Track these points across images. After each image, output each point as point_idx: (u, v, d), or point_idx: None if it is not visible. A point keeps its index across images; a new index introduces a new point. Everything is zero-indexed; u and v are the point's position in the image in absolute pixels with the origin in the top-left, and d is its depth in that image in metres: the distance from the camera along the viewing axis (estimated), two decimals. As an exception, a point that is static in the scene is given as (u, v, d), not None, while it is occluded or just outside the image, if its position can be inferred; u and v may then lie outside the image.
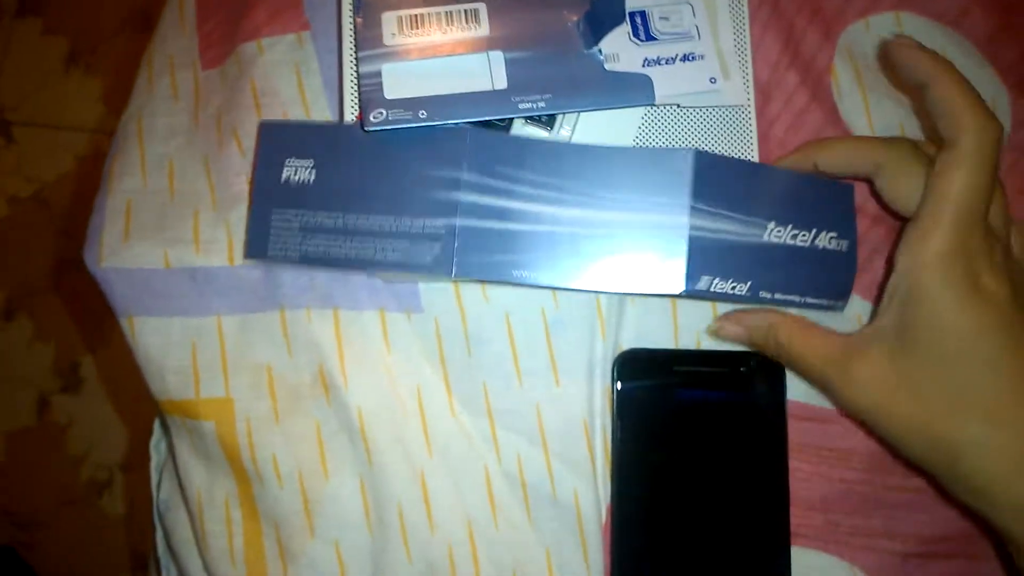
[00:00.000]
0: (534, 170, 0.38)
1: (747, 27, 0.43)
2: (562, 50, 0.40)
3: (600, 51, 0.40)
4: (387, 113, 0.39)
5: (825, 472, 0.43)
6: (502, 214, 0.38)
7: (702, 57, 0.41)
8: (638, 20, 0.41)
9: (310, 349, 0.43)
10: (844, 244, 0.40)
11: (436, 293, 0.44)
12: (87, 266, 0.44)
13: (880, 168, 0.38)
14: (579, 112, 0.41)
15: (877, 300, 0.41)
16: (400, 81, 0.39)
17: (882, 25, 0.47)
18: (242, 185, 0.45)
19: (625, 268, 0.38)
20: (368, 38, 0.40)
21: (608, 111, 0.42)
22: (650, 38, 0.41)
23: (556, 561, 0.42)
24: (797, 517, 0.42)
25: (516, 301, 0.43)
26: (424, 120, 0.39)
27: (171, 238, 0.44)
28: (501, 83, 0.39)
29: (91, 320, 1.35)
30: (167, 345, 0.43)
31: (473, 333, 0.43)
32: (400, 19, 0.40)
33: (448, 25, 0.40)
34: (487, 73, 0.40)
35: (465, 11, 0.41)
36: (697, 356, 0.43)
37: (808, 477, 0.43)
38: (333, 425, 0.43)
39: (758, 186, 0.39)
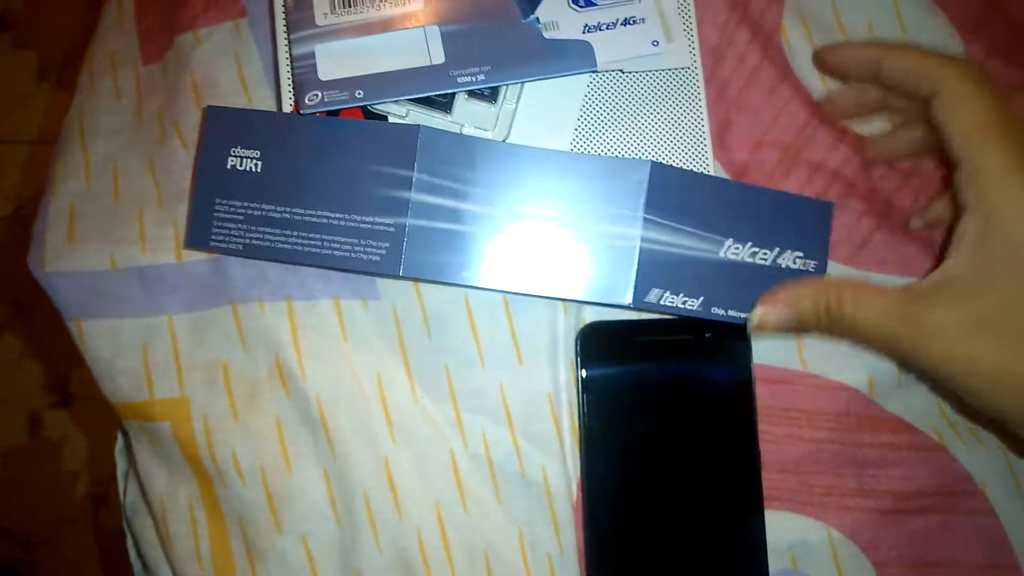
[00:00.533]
0: (487, 173, 0.37)
1: (691, -12, 0.42)
2: (500, 21, 0.39)
3: (538, 20, 0.39)
4: (322, 95, 0.38)
5: (795, 433, 0.42)
6: (452, 215, 0.37)
7: (643, 20, 0.40)
8: (578, -14, 0.41)
9: (266, 342, 0.42)
10: (812, 264, 0.40)
11: (393, 279, 0.43)
12: (31, 271, 0.43)
13: (938, 91, 0.35)
14: (521, 83, 0.40)
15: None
16: (335, 61, 0.38)
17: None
18: (187, 181, 0.44)
19: (575, 276, 0.38)
20: (300, 20, 0.39)
21: (553, 80, 0.41)
22: (589, 4, 0.40)
23: (528, 540, 0.41)
24: (770, 480, 0.41)
25: (473, 281, 0.43)
26: (361, 100, 0.38)
27: (117, 238, 0.43)
28: (439, 58, 0.39)
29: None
30: (117, 347, 0.43)
31: (432, 316, 0.43)
32: (332, -1, 0.39)
33: (381, 1, 0.39)
34: (424, 48, 0.39)
35: (398, -13, 0.40)
36: (660, 325, 0.43)
37: (778, 440, 0.42)
38: (293, 418, 0.42)
39: (719, 201, 0.38)
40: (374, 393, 0.42)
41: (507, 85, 0.40)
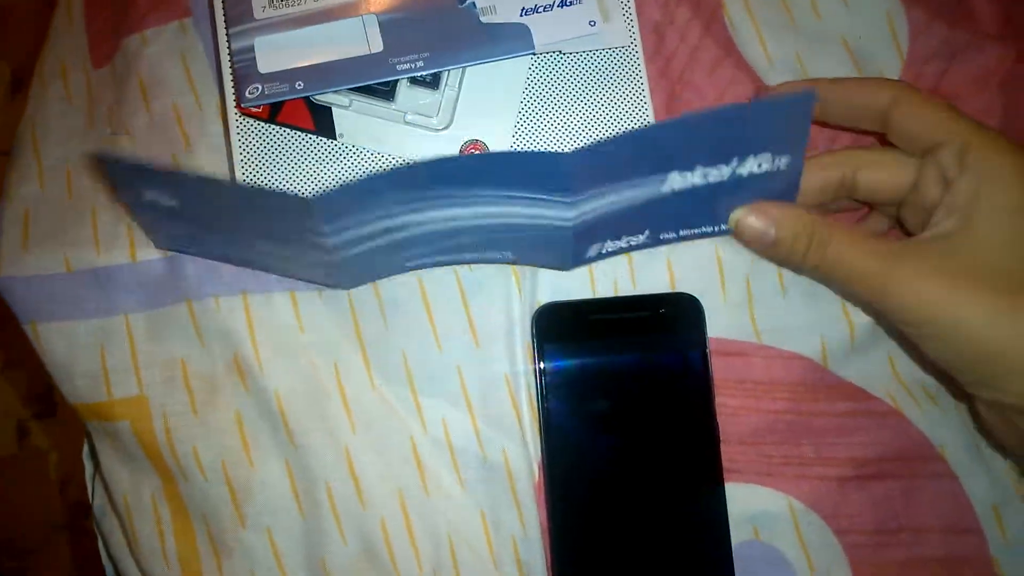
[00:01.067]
0: (403, 197, 0.34)
1: (628, -33, 0.42)
2: (437, 7, 0.40)
3: (475, 4, 0.39)
4: (263, 88, 0.38)
5: (752, 405, 0.42)
6: (380, 234, 0.36)
7: (580, 1, 0.40)
8: (514, -31, 0.41)
9: (222, 337, 0.42)
10: (783, 161, 0.36)
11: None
12: None
13: (896, 96, 0.38)
14: (461, 68, 0.41)
15: None
16: (274, 54, 0.39)
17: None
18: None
19: (515, 249, 0.38)
20: (238, 13, 0.39)
21: (494, 64, 0.41)
22: (527, -14, 0.40)
23: (492, 522, 0.42)
24: (729, 453, 0.42)
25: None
26: (301, 91, 0.38)
27: (71, 240, 0.43)
28: (377, 46, 0.39)
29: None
30: (74, 348, 0.43)
31: (388, 303, 0.43)
32: (269, -9, 0.39)
33: (319, -7, 0.39)
34: (363, 37, 0.39)
35: (336, -23, 0.40)
36: (615, 303, 0.43)
37: (735, 412, 0.42)
38: (253, 412, 0.42)
39: (651, 147, 0.35)
40: (332, 383, 0.42)
41: (448, 71, 0.41)
